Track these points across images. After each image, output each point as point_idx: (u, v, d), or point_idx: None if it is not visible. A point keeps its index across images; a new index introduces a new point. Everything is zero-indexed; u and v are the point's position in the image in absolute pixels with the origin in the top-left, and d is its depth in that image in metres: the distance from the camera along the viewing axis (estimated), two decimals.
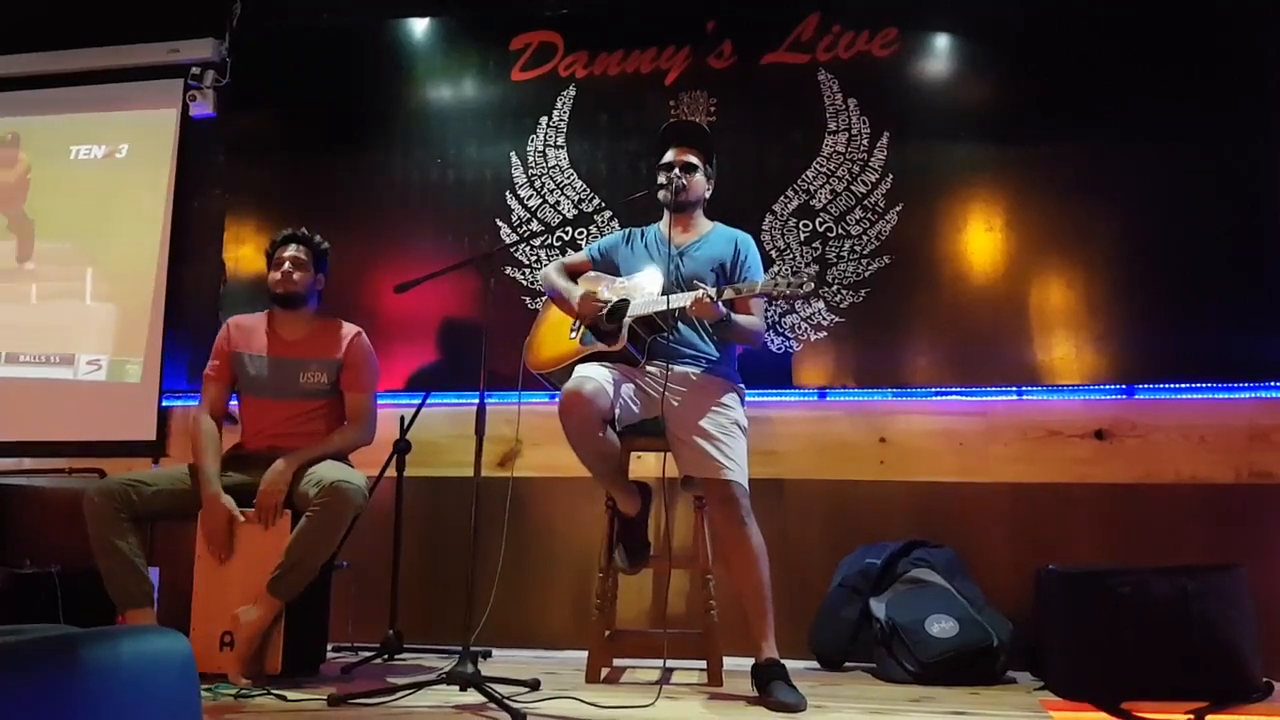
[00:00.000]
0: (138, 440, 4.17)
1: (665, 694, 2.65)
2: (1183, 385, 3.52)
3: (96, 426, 4.22)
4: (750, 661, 2.72)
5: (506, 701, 2.36)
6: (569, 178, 4.06)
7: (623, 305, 2.95)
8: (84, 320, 4.34)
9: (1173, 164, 3.62)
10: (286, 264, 3.20)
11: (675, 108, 3.99)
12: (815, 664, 3.34)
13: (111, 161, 4.48)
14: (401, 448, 3.52)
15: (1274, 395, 3.47)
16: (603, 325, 2.94)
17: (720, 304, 2.73)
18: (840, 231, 3.80)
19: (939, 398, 3.68)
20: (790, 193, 3.86)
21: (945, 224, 3.76)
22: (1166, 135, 3.63)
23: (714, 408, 2.83)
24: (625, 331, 2.87)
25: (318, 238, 3.29)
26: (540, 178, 4.08)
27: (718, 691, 2.79)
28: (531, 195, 4.07)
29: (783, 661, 2.68)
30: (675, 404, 2.83)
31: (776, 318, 3.78)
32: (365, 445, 3.22)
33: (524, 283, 4.01)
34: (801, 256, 3.79)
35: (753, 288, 2.74)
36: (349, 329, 3.26)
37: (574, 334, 3.02)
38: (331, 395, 3.21)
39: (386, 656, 3.34)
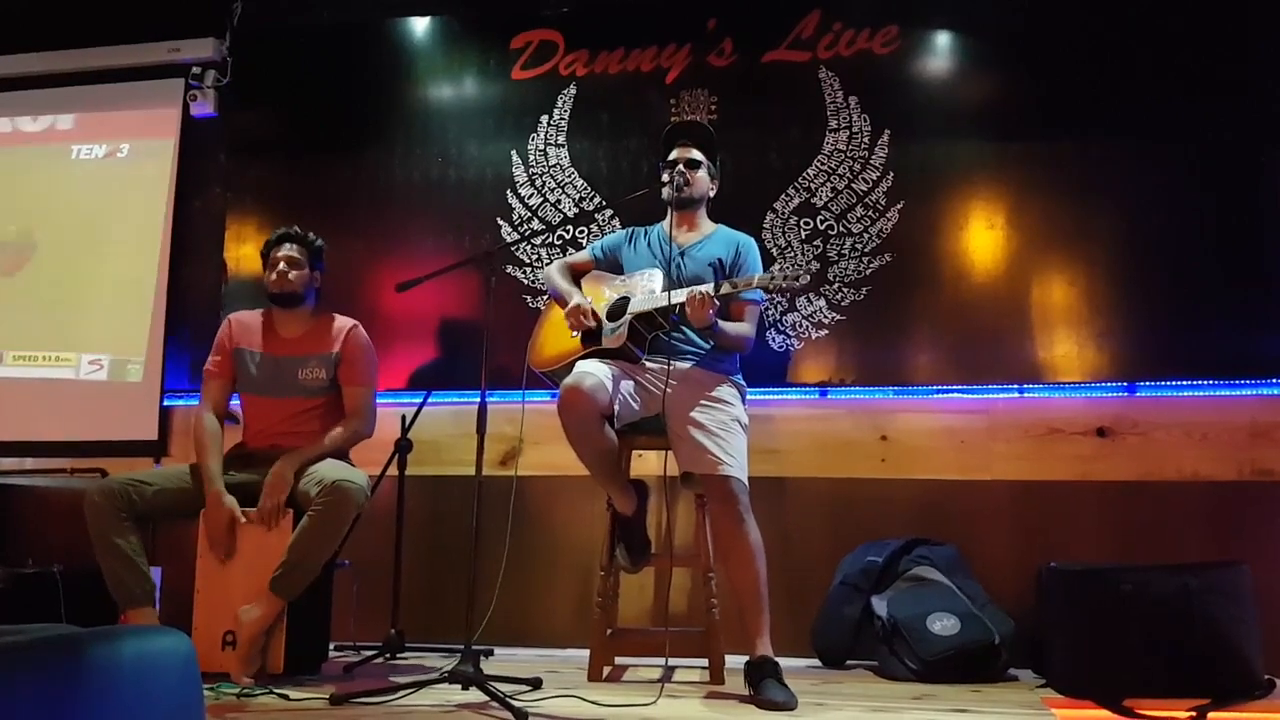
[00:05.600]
0: (139, 440, 4.17)
1: (667, 692, 2.65)
2: (1184, 382, 3.52)
3: (98, 426, 4.23)
4: None
5: (508, 700, 2.36)
6: (570, 176, 4.06)
7: (623, 303, 2.96)
8: (85, 320, 4.34)
9: (1175, 162, 3.61)
10: (282, 264, 3.19)
11: (676, 106, 3.99)
12: (817, 662, 3.34)
13: (112, 161, 4.49)
14: (403, 446, 3.51)
15: (1276, 393, 3.46)
16: (602, 326, 2.94)
17: (711, 309, 2.73)
18: (841, 229, 3.80)
19: (940, 395, 3.68)
20: (791, 191, 3.86)
21: (946, 222, 3.76)
22: (1168, 133, 3.62)
23: (708, 401, 2.83)
24: (625, 329, 2.87)
25: (311, 235, 3.28)
26: (541, 176, 4.08)
27: (720, 690, 2.79)
28: (532, 194, 4.07)
29: (777, 659, 2.67)
30: (678, 403, 2.82)
31: (778, 315, 3.78)
32: (366, 438, 3.21)
33: (525, 281, 4.01)
34: (802, 255, 3.79)
35: (749, 281, 2.75)
36: (345, 322, 3.25)
37: (575, 332, 3.02)
38: (331, 391, 3.20)
39: (388, 655, 3.34)
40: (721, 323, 2.82)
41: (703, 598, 2.95)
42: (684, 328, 2.92)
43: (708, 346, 2.94)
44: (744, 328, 2.93)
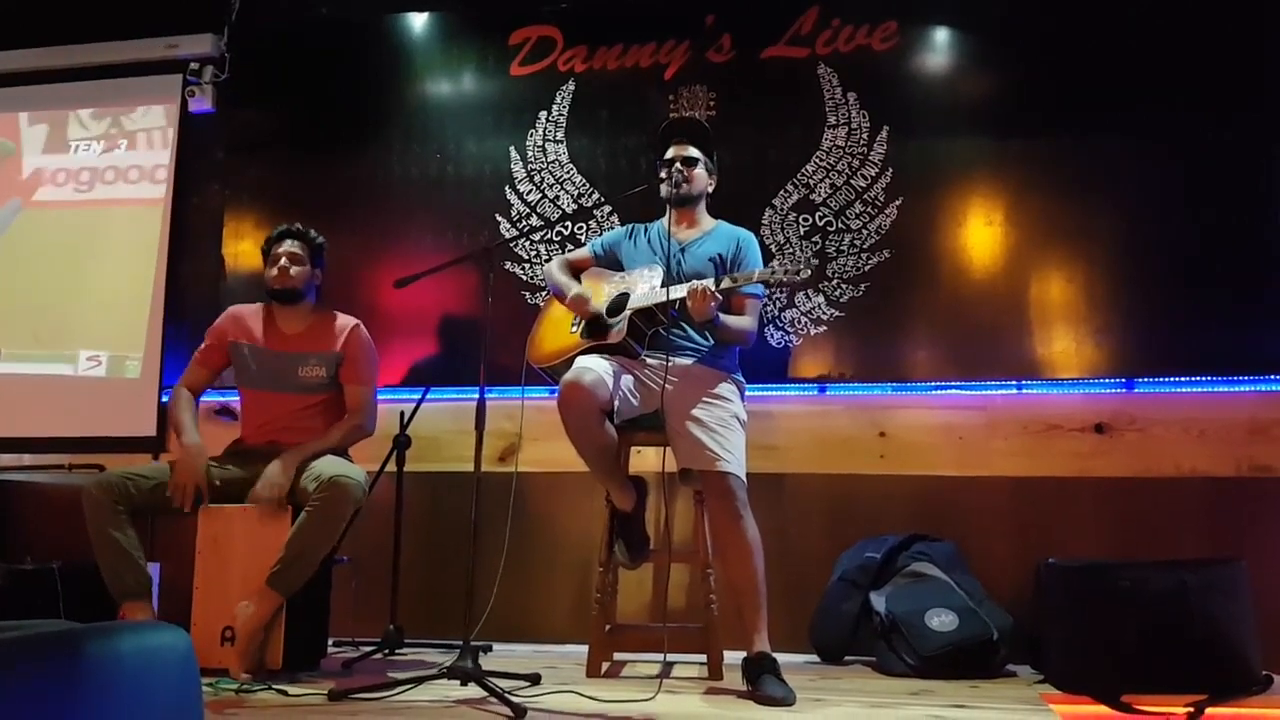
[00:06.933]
0: (138, 436, 4.16)
1: (665, 688, 2.65)
2: (1183, 379, 3.52)
3: (96, 422, 4.21)
4: None
5: (507, 696, 2.36)
6: (568, 172, 4.06)
7: (622, 299, 2.96)
8: (84, 316, 4.33)
9: (1173, 158, 3.61)
10: (283, 259, 3.19)
11: (674, 102, 3.98)
12: (815, 657, 3.35)
13: (110, 157, 4.47)
14: (401, 443, 3.52)
15: (1274, 389, 3.46)
16: (603, 321, 2.94)
17: (712, 303, 2.73)
18: (840, 226, 3.80)
19: (939, 392, 3.68)
20: (790, 187, 3.85)
21: (945, 218, 3.76)
22: (1167, 131, 3.62)
23: (707, 398, 2.83)
24: (625, 324, 2.87)
25: (313, 232, 3.28)
26: (539, 172, 4.08)
27: (718, 685, 2.80)
28: (531, 190, 4.07)
29: (774, 655, 2.68)
30: (676, 399, 2.82)
31: (776, 311, 3.78)
32: (366, 437, 3.22)
33: (523, 278, 4.01)
34: (801, 251, 3.79)
35: (749, 276, 2.77)
36: (346, 321, 3.26)
37: (575, 328, 3.02)
38: (331, 389, 3.21)
39: (387, 651, 3.34)
40: (723, 316, 2.83)
41: (701, 594, 2.95)
42: (683, 324, 2.92)
43: (707, 343, 2.94)
44: (745, 321, 2.93)
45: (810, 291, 3.77)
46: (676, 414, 2.81)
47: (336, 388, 3.22)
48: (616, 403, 2.78)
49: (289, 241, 3.23)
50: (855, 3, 3.91)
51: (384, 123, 4.24)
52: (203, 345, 3.26)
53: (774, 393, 3.75)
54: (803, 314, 3.78)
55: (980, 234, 3.73)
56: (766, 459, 3.56)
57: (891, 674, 3.02)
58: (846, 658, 3.32)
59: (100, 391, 4.26)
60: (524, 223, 4.04)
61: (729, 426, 2.81)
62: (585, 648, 2.99)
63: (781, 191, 3.85)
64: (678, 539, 3.41)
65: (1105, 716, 2.49)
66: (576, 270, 3.22)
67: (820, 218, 3.82)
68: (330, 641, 3.23)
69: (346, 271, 3.91)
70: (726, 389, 2.89)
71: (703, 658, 2.98)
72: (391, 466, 3.51)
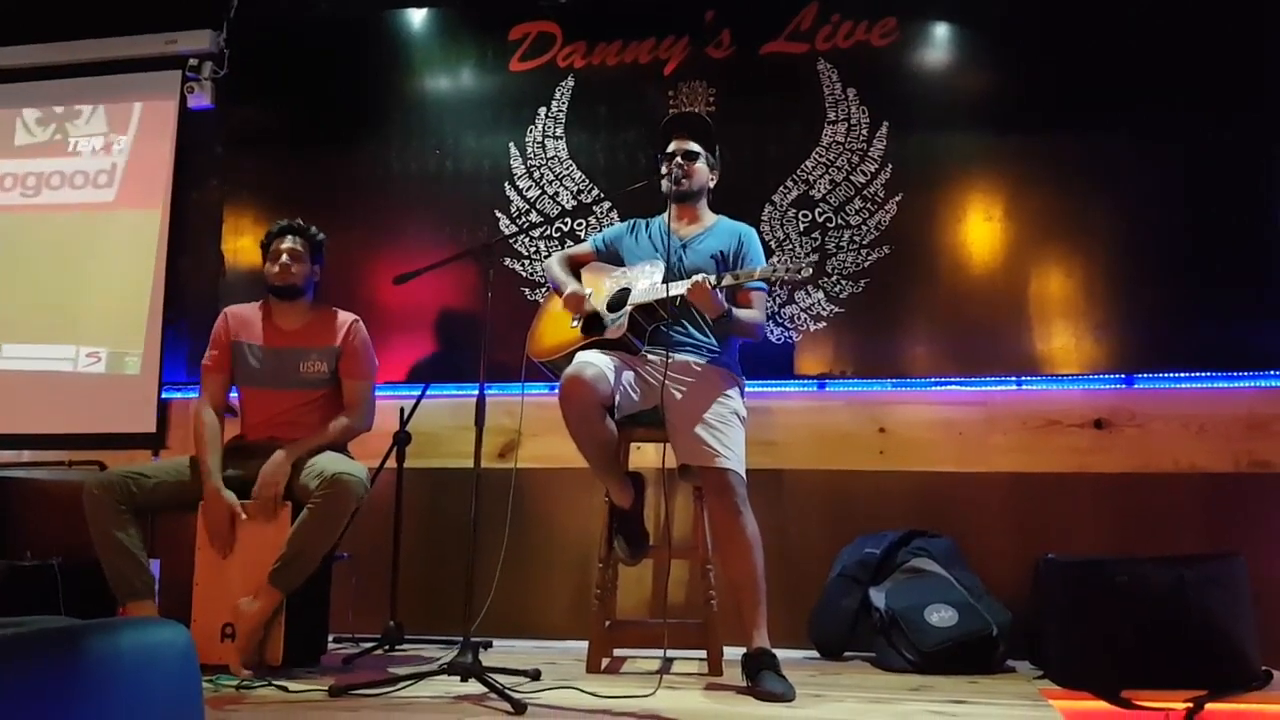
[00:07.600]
0: (138, 433, 4.16)
1: (665, 684, 2.64)
2: (1182, 375, 3.52)
3: (96, 419, 4.22)
4: None
5: (507, 691, 2.36)
6: (568, 169, 4.05)
7: (623, 294, 2.96)
8: (83, 312, 4.33)
9: (1172, 153, 3.61)
10: (284, 255, 3.19)
11: (674, 98, 3.98)
12: (815, 653, 3.35)
13: (109, 153, 4.47)
14: (401, 439, 3.52)
15: (1273, 385, 3.47)
16: (600, 319, 2.94)
17: (719, 294, 2.74)
18: (840, 222, 3.80)
19: (938, 388, 3.68)
20: (789, 183, 3.85)
21: (945, 214, 3.76)
22: (1167, 127, 3.62)
23: (707, 394, 2.83)
24: (626, 320, 2.87)
25: (313, 229, 3.28)
26: (539, 169, 4.07)
27: (718, 681, 2.80)
28: (530, 186, 4.07)
29: (774, 651, 2.68)
30: (677, 395, 2.83)
31: (776, 308, 3.78)
32: (364, 432, 3.22)
33: (523, 274, 4.00)
34: (801, 247, 3.79)
35: (750, 274, 2.77)
36: (346, 316, 3.26)
37: (575, 322, 3.02)
38: (331, 384, 3.20)
39: (387, 647, 3.34)
40: (735, 310, 2.83)
41: (701, 590, 2.95)
42: (684, 320, 2.93)
43: (708, 339, 2.94)
44: (755, 314, 2.95)
45: (810, 288, 3.76)
46: (676, 410, 2.81)
47: (336, 383, 3.21)
48: (617, 398, 2.78)
49: (290, 238, 3.22)
50: None
51: (383, 119, 4.24)
52: (209, 354, 3.22)
53: (773, 389, 3.75)
54: (802, 310, 3.78)
55: (980, 230, 3.73)
56: (766, 455, 3.56)
57: (891, 670, 3.02)
58: (846, 654, 3.32)
59: (99, 388, 4.26)
60: (523, 219, 4.04)
61: (729, 423, 2.81)
62: (585, 644, 3.00)
63: (781, 187, 3.85)
64: (677, 535, 3.41)
65: (1105, 712, 2.49)
66: (578, 265, 3.21)
67: (820, 214, 3.81)
68: (330, 638, 3.23)
69: (346, 267, 3.91)
70: (726, 385, 2.89)
71: (702, 654, 2.98)
72: (391, 462, 3.51)
